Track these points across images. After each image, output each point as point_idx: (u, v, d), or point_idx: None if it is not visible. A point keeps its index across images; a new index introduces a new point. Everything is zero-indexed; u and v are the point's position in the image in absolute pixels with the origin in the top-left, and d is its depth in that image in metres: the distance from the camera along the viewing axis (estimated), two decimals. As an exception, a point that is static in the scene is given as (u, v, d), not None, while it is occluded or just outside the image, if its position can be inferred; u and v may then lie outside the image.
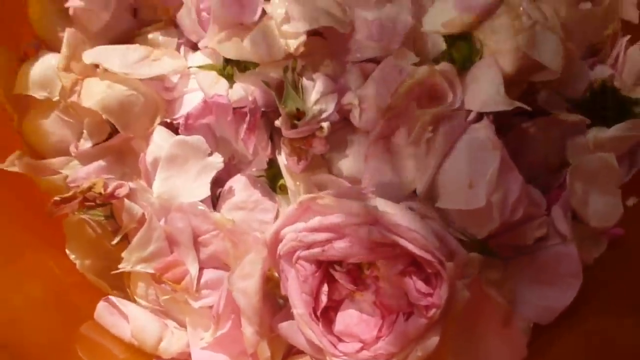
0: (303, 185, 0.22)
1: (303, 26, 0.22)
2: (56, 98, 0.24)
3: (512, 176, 0.21)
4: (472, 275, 0.19)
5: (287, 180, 0.23)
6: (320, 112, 0.22)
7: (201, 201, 0.22)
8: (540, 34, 0.23)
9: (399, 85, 0.21)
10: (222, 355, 0.21)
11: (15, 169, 0.23)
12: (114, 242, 0.23)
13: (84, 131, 0.24)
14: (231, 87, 0.24)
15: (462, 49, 0.23)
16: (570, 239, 0.22)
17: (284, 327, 0.20)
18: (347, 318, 0.20)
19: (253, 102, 0.22)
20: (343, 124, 0.23)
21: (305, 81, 0.22)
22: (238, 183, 0.23)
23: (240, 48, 0.23)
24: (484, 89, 0.22)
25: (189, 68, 0.24)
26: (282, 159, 0.23)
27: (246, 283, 0.20)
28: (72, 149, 0.24)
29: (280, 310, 0.21)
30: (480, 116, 0.22)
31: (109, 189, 0.22)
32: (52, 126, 0.25)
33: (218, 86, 0.23)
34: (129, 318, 0.22)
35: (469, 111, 0.22)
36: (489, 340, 0.19)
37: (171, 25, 0.27)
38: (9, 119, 0.25)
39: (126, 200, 0.22)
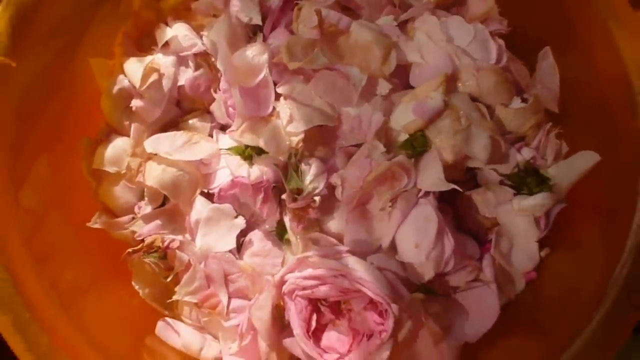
0: (301, 240, 0.31)
1: (302, 126, 0.31)
2: (123, 171, 0.34)
3: (446, 240, 0.29)
4: (415, 309, 0.28)
5: (290, 236, 0.31)
6: (314, 189, 0.31)
7: (229, 251, 0.32)
8: (473, 132, 0.31)
9: (368, 173, 0.30)
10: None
11: (97, 225, 0.33)
12: (169, 279, 0.32)
13: (145, 198, 0.33)
14: (250, 166, 0.32)
15: (419, 139, 0.31)
16: (492, 282, 0.30)
17: (288, 342, 0.29)
18: (330, 337, 0.28)
19: (267, 181, 0.31)
20: (331, 194, 0.32)
21: (303, 166, 0.31)
22: (255, 236, 0.32)
23: (257, 141, 0.32)
24: (430, 175, 0.30)
25: (219, 150, 0.33)
26: (287, 220, 0.32)
27: (261, 312, 0.29)
28: (136, 210, 0.33)
29: (285, 330, 0.30)
30: (427, 193, 0.30)
31: (165, 243, 0.31)
32: (120, 192, 0.34)
33: (241, 169, 0.32)
34: (179, 333, 0.31)
35: (420, 189, 0.31)
36: (425, 355, 0.28)
37: (206, 112, 0.36)
38: (90, 188, 0.34)
39: (177, 250, 0.31)
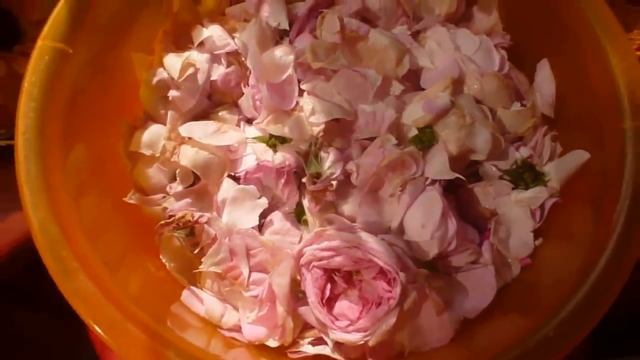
0: (318, 220, 0.34)
1: (323, 117, 0.35)
2: (157, 154, 0.37)
3: (450, 222, 0.32)
4: (420, 282, 0.31)
5: (308, 216, 0.35)
6: (331, 174, 0.34)
7: (252, 227, 0.35)
8: (477, 128, 0.34)
9: (381, 160, 0.33)
10: (262, 327, 0.33)
11: (132, 201, 0.36)
12: (195, 251, 0.35)
13: (177, 178, 0.36)
14: (274, 152, 0.36)
15: (427, 135, 0.35)
16: (490, 264, 0.33)
17: (303, 310, 0.32)
18: (342, 305, 0.31)
19: (288, 165, 0.35)
20: (346, 181, 0.35)
21: (322, 153, 0.35)
22: (276, 217, 0.35)
23: (282, 130, 0.35)
24: (436, 164, 0.33)
25: (246, 138, 0.37)
26: (305, 203, 0.35)
27: (280, 279, 0.32)
28: (168, 189, 0.36)
29: (300, 300, 0.33)
30: (435, 181, 0.34)
31: (195, 218, 0.34)
32: (154, 173, 0.37)
33: (266, 154, 0.35)
34: (203, 301, 0.34)
35: (427, 177, 0.34)
36: (428, 324, 0.31)
37: (234, 106, 0.39)
38: (126, 168, 0.38)
39: (205, 225, 0.34)
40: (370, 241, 0.30)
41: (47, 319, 0.48)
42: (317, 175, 0.34)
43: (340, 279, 0.31)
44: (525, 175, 0.35)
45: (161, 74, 0.37)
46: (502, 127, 0.36)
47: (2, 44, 0.48)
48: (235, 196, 0.35)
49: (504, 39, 0.39)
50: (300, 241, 0.34)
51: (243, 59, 0.38)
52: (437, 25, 0.38)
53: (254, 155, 0.36)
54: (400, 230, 0.33)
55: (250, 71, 0.37)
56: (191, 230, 0.35)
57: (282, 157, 0.35)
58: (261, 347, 0.33)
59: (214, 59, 0.38)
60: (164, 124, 0.37)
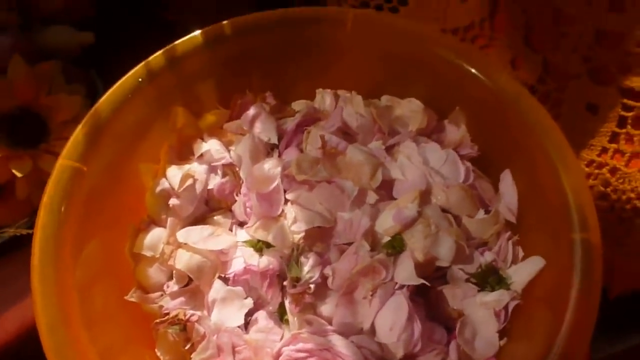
0: (298, 320, 0.37)
1: (304, 226, 0.39)
2: (157, 256, 0.41)
3: (415, 325, 0.35)
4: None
5: (289, 316, 0.38)
6: (310, 278, 0.37)
7: (238, 326, 0.38)
8: (441, 237, 0.38)
9: (354, 266, 0.37)
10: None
11: (133, 299, 0.40)
12: (187, 347, 0.38)
13: (174, 279, 0.40)
14: (260, 256, 0.40)
15: (397, 241, 0.39)
16: (455, 365, 0.36)
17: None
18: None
19: (272, 269, 0.38)
20: (324, 283, 0.38)
21: (302, 258, 0.38)
22: (261, 315, 0.39)
23: (267, 237, 0.39)
24: (404, 271, 0.37)
25: (237, 242, 0.41)
26: (287, 303, 0.39)
27: (260, 379, 0.35)
28: (165, 288, 0.41)
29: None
30: (403, 286, 0.37)
31: (187, 316, 0.38)
32: (153, 273, 0.41)
33: (252, 258, 0.39)
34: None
35: (396, 282, 0.37)
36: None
37: (228, 211, 0.44)
38: (130, 268, 0.42)
39: (196, 323, 0.38)
40: (340, 345, 0.34)
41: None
42: (297, 279, 0.38)
43: (314, 379, 0.34)
44: (489, 278, 0.39)
45: (164, 184, 0.42)
46: (467, 234, 0.39)
47: (29, 142, 0.54)
48: (224, 296, 0.38)
49: (472, 149, 0.44)
50: (281, 339, 0.38)
51: (237, 169, 0.43)
52: (408, 141, 0.42)
53: (243, 258, 0.40)
54: (372, 331, 0.36)
55: (243, 181, 0.42)
56: (184, 326, 0.39)
57: (267, 262, 0.39)
58: None
59: (212, 169, 0.43)
60: (165, 227, 0.42)
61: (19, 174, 0.50)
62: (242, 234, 0.41)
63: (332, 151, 0.41)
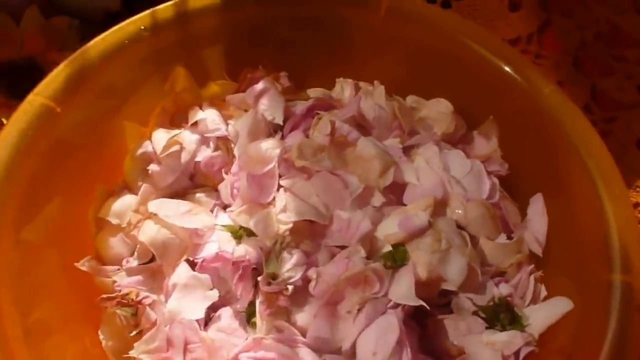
0: (266, 324, 0.31)
1: (293, 217, 0.33)
2: (124, 225, 0.36)
3: (405, 354, 0.29)
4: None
5: (258, 319, 0.32)
6: (289, 277, 0.32)
7: (196, 320, 0.32)
8: (451, 255, 0.32)
9: (343, 273, 0.31)
10: None
11: (84, 268, 0.34)
12: (132, 334, 0.32)
13: (135, 253, 0.35)
14: (237, 244, 0.34)
15: (400, 253, 0.33)
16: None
17: None
18: None
19: (248, 260, 0.33)
20: (305, 288, 0.32)
21: (285, 254, 0.33)
22: (225, 313, 0.33)
23: (248, 222, 0.34)
24: (402, 287, 0.31)
25: (215, 225, 0.36)
26: (257, 303, 0.33)
27: (207, 385, 0.29)
28: (124, 263, 0.35)
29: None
30: (397, 305, 0.31)
31: (139, 298, 0.32)
32: (115, 243, 0.36)
33: (228, 244, 0.34)
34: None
35: (390, 300, 0.31)
36: None
37: (213, 190, 0.38)
38: (91, 233, 0.37)
39: (147, 307, 0.32)
40: (308, 360, 0.27)
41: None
42: (274, 276, 0.32)
43: (270, 396, 0.28)
44: (502, 315, 0.32)
45: (147, 146, 0.37)
46: (482, 258, 0.33)
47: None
48: (187, 283, 0.33)
49: (502, 167, 0.38)
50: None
51: (233, 145, 0.38)
52: (430, 143, 0.37)
53: (217, 243, 0.34)
54: (352, 353, 0.30)
55: (236, 159, 0.37)
56: (136, 310, 0.33)
57: (243, 251, 0.33)
58: None
59: (204, 140, 0.38)
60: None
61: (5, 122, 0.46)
62: (223, 218, 0.36)
63: (341, 139, 0.36)
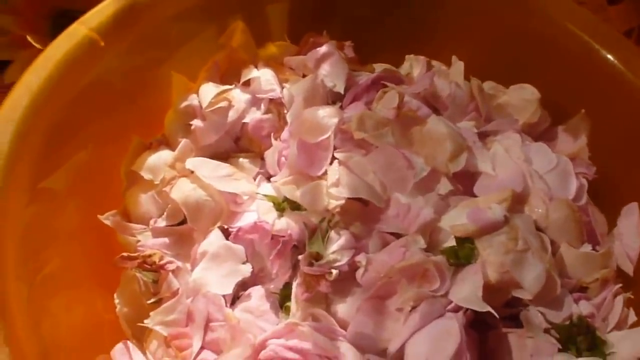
0: (301, 312, 0.27)
1: (346, 193, 0.29)
2: (156, 182, 0.33)
3: (463, 365, 0.24)
4: None
5: (292, 304, 0.28)
6: (335, 260, 0.27)
7: (223, 296, 0.28)
8: (528, 258, 0.27)
9: (397, 261, 0.26)
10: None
11: (108, 222, 0.31)
12: (150, 301, 0.29)
13: (165, 213, 0.31)
14: (279, 217, 0.30)
15: (465, 249, 0.28)
16: None
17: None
18: None
19: (289, 235, 0.29)
20: (350, 275, 0.28)
21: (333, 234, 0.28)
22: (257, 292, 0.29)
23: (293, 192, 0.30)
24: (466, 288, 0.26)
25: (257, 193, 0.32)
26: (294, 285, 0.29)
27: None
28: (151, 222, 0.32)
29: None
30: (459, 308, 0.26)
31: (162, 262, 0.28)
32: (145, 200, 0.32)
33: (268, 215, 0.30)
34: (134, 363, 0.27)
35: (451, 301, 0.27)
36: None
37: (258, 157, 0.35)
38: (121, 187, 0.33)
39: (170, 274, 0.28)
40: (349, 358, 0.23)
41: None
42: (317, 257, 0.27)
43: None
44: (579, 338, 0.27)
45: (192, 100, 0.34)
46: (561, 269, 0.28)
47: None
48: (218, 252, 0.29)
49: (589, 169, 0.33)
50: (274, 330, 0.27)
51: (285, 110, 0.34)
52: (511, 131, 0.32)
53: (256, 213, 0.30)
54: (398, 356, 0.25)
55: (288, 125, 0.33)
56: (158, 276, 0.29)
57: (285, 224, 0.29)
58: None
59: (254, 101, 0.34)
60: (177, 151, 0.33)
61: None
62: (266, 188, 0.32)
63: (409, 113, 0.31)
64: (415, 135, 0.32)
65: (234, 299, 0.29)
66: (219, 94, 0.33)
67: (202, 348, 0.27)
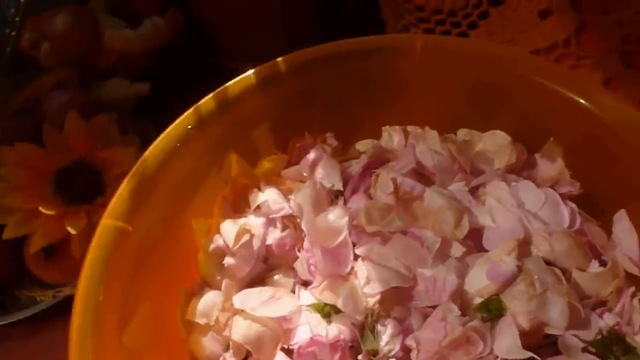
0: (378, 404, 0.31)
1: (379, 287, 0.33)
2: (212, 324, 0.36)
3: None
4: None
5: (365, 397, 0.32)
6: (389, 351, 0.31)
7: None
8: (549, 298, 0.31)
9: (442, 336, 0.30)
10: None
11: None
12: None
13: (230, 350, 0.35)
14: (328, 324, 0.34)
15: (494, 302, 0.32)
16: None
17: None
18: None
19: (343, 340, 0.32)
20: (406, 357, 0.32)
21: (379, 326, 0.32)
22: (332, 395, 0.33)
23: (335, 300, 0.34)
24: (506, 341, 0.30)
25: (300, 306, 0.36)
26: (363, 385, 0.32)
27: None
28: (221, 360, 0.35)
29: None
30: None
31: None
32: (208, 342, 0.36)
33: (319, 327, 0.33)
34: None
35: (497, 356, 0.30)
36: None
37: (290, 269, 0.38)
38: (182, 337, 0.37)
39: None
40: None
41: None
42: (374, 353, 0.31)
43: None
44: (614, 347, 0.31)
45: (217, 240, 0.38)
46: (579, 292, 0.32)
47: (85, 197, 0.51)
48: (288, 373, 0.33)
49: (573, 186, 0.37)
50: None
51: (298, 220, 0.38)
52: (496, 180, 0.36)
53: (308, 326, 0.34)
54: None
55: (305, 234, 0.37)
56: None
57: (336, 330, 0.33)
58: None
59: (270, 222, 0.38)
60: (220, 289, 0.37)
61: (73, 231, 0.48)
62: (307, 296, 0.36)
63: (406, 196, 0.35)
64: (417, 210, 0.35)
65: (314, 408, 0.33)
66: (239, 230, 0.37)
67: None
